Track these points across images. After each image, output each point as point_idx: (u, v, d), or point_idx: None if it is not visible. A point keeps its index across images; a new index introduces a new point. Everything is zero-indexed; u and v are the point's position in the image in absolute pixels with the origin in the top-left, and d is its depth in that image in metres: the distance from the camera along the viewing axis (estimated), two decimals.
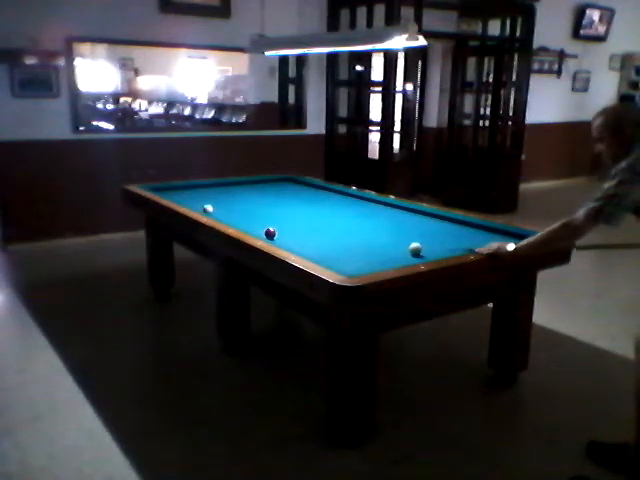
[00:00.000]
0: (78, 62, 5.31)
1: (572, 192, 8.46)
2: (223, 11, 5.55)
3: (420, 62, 7.15)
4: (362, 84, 6.47)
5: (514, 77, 6.87)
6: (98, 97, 8.54)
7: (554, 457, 2.40)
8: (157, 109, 8.93)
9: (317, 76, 6.34)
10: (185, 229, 3.35)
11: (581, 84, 8.74)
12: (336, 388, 2.39)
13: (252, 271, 2.79)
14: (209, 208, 3.25)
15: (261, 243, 2.57)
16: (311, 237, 2.89)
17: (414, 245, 2.51)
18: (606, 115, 2.21)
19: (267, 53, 3.95)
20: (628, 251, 5.52)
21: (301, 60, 6.21)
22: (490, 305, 2.94)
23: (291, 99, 6.41)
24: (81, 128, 5.25)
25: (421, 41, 2.75)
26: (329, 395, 2.43)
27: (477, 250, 2.47)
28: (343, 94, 6.56)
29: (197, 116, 8.35)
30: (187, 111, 8.65)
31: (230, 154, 5.78)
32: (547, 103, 8.22)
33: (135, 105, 9.00)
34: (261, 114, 6.73)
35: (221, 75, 8.94)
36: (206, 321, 3.40)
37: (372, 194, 3.88)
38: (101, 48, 7.98)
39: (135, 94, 9.15)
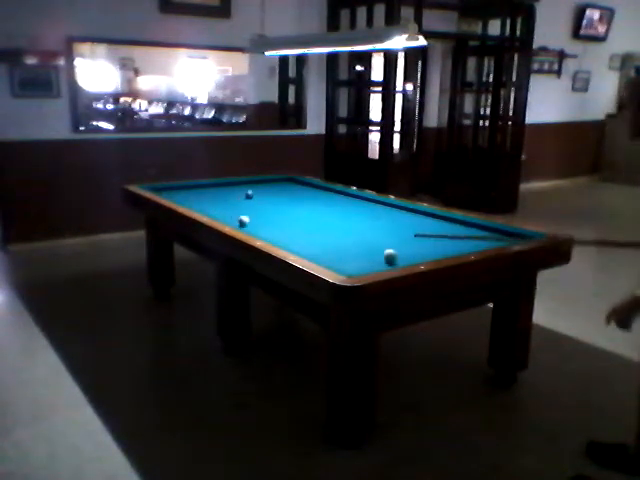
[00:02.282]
0: (78, 62, 5.30)
1: (572, 192, 8.49)
2: (223, 11, 5.55)
3: (420, 62, 7.15)
4: (362, 84, 6.48)
5: (514, 77, 6.87)
6: (98, 97, 8.54)
7: (554, 457, 2.40)
8: (157, 109, 8.93)
9: (317, 76, 6.34)
10: (185, 229, 3.35)
11: (581, 84, 8.73)
12: (336, 388, 2.39)
13: (252, 271, 2.79)
14: (245, 219, 3.00)
15: (261, 243, 2.57)
16: (311, 237, 2.89)
17: (389, 252, 2.38)
18: (632, 87, 2.07)
19: (267, 53, 3.95)
20: (629, 250, 5.52)
21: (301, 60, 6.21)
22: (490, 305, 2.94)
23: (291, 99, 6.41)
24: (81, 128, 5.25)
25: (421, 41, 2.75)
26: (329, 395, 2.43)
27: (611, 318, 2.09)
28: (343, 94, 6.56)
29: (197, 116, 8.34)
30: (187, 111, 8.64)
31: (230, 154, 5.78)
32: (547, 103, 8.22)
33: (135, 105, 8.99)
34: (261, 114, 6.73)
35: (221, 75, 8.93)
36: (206, 321, 3.40)
37: (372, 194, 3.88)
38: (101, 48, 7.97)
39: (135, 94, 9.15)
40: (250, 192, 3.84)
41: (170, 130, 6.85)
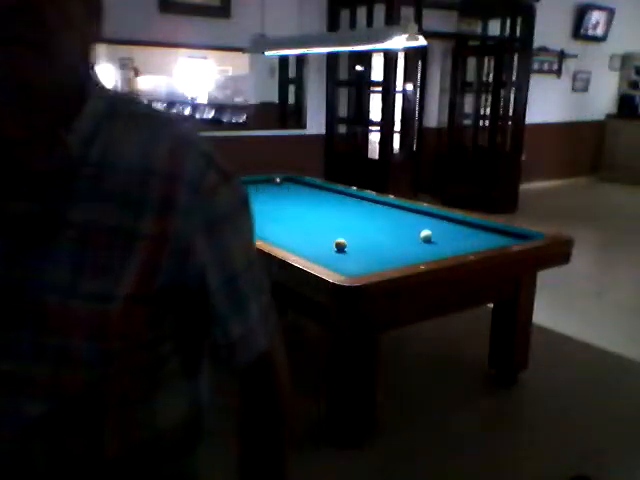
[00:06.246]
0: None
1: (572, 192, 8.49)
2: (223, 11, 5.55)
3: (420, 62, 7.15)
4: (362, 84, 6.48)
5: (514, 77, 6.87)
6: None
7: (554, 457, 2.40)
8: None
9: (317, 76, 6.34)
10: None
11: (581, 84, 8.74)
12: (336, 388, 2.39)
13: None
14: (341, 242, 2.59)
15: (260, 243, 2.57)
16: (311, 237, 2.89)
17: (425, 233, 2.64)
18: None
19: (267, 53, 3.96)
20: (630, 249, 5.53)
21: (301, 60, 6.22)
22: (490, 305, 2.94)
23: (291, 99, 6.41)
24: None
25: (421, 41, 2.75)
26: (329, 395, 2.43)
27: None
28: (343, 94, 6.56)
29: (197, 116, 8.35)
30: (187, 111, 8.65)
31: (230, 154, 5.74)
32: (547, 103, 8.22)
33: None
34: (261, 114, 6.73)
35: (221, 75, 8.94)
36: None
37: (372, 194, 3.88)
38: (101, 48, 7.98)
39: (135, 94, 9.16)
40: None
41: None
